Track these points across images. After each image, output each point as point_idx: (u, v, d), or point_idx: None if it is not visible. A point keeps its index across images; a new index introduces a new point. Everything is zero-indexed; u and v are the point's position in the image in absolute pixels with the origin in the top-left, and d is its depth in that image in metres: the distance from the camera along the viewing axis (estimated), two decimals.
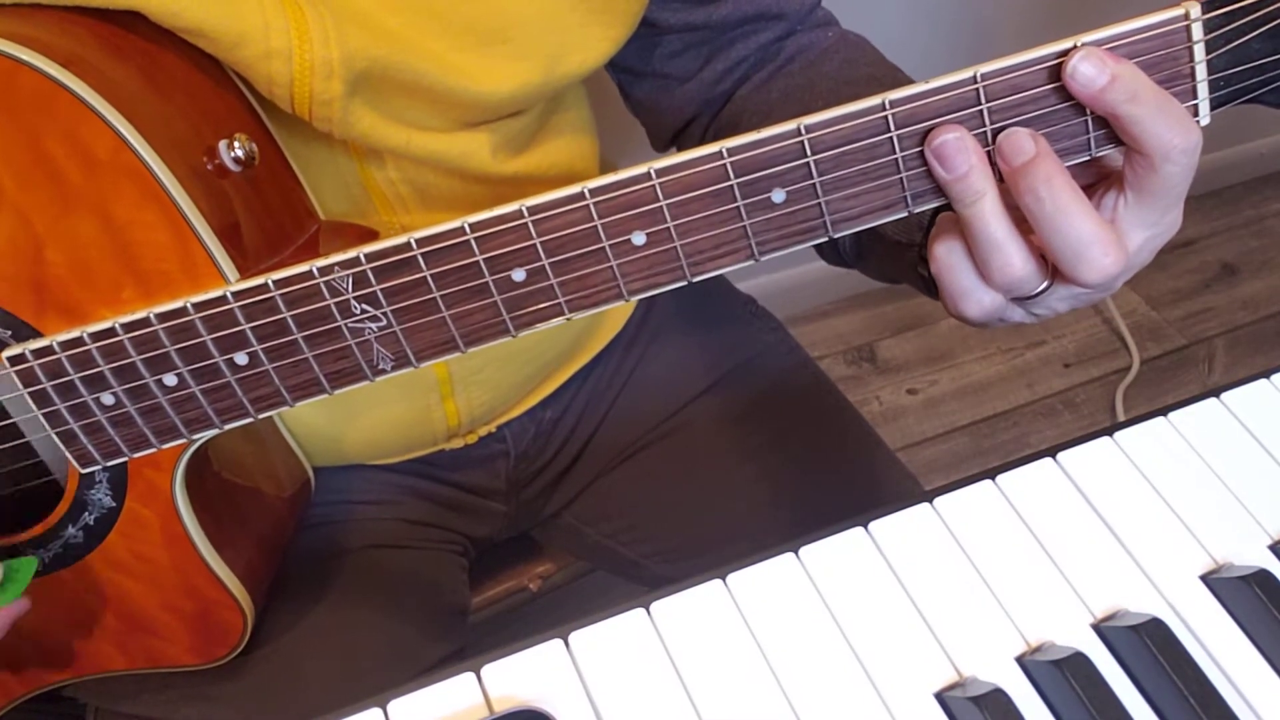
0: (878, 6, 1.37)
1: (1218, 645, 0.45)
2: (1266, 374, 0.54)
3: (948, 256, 0.46)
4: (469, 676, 0.43)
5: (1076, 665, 0.43)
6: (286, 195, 0.53)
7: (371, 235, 0.55)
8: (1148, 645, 0.43)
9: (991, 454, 1.56)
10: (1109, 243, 0.43)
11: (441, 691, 0.43)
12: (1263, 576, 0.45)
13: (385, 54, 0.50)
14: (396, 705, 0.43)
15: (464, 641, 0.73)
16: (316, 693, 0.62)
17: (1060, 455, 0.50)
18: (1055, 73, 0.41)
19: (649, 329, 0.79)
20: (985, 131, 0.42)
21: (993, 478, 0.50)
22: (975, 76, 0.41)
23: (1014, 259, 0.44)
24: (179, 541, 0.53)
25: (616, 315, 0.77)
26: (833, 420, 0.78)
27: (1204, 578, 0.47)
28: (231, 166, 0.48)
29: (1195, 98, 0.42)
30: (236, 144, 0.48)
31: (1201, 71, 0.42)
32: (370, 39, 0.50)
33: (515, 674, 0.44)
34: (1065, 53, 0.41)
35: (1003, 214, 0.43)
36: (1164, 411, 0.52)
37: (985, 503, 0.49)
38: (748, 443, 0.76)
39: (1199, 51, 0.42)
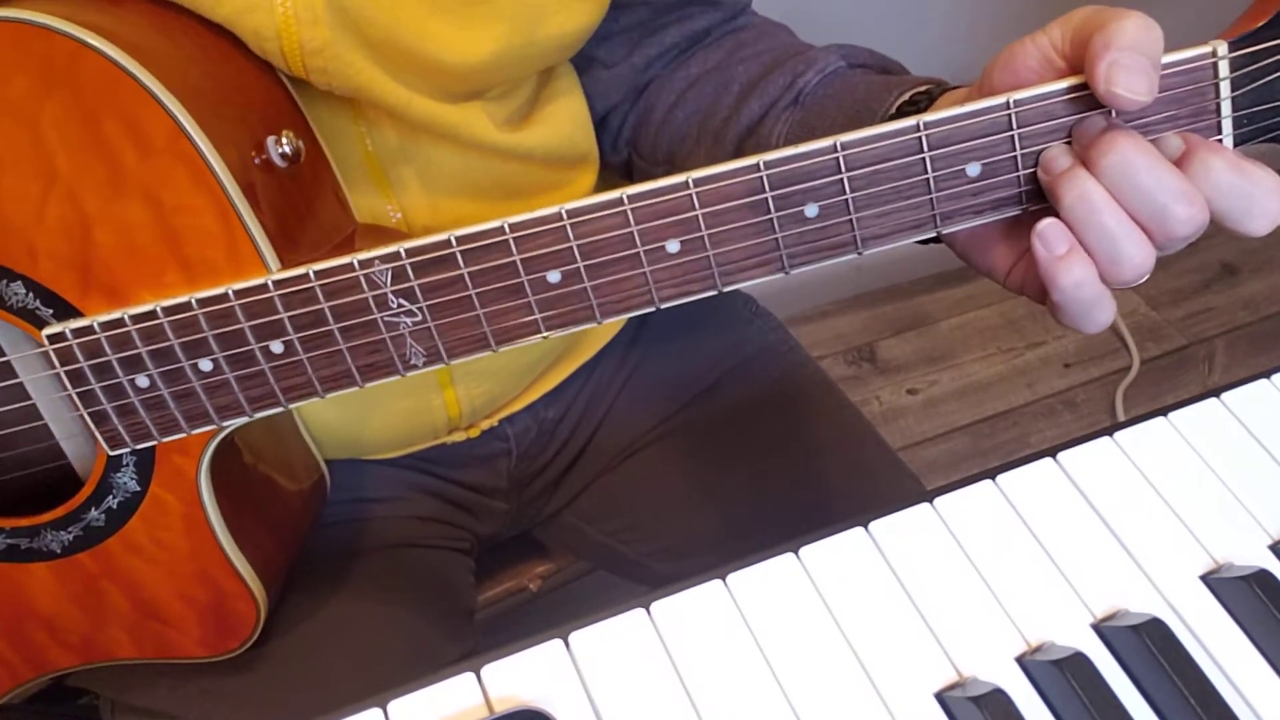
0: (878, 7, 1.37)
1: (1218, 645, 0.45)
2: (1266, 374, 0.54)
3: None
4: (469, 676, 0.43)
5: (1076, 665, 0.43)
6: (326, 195, 0.54)
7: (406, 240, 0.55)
8: (1148, 645, 0.43)
9: (991, 454, 1.56)
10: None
11: (441, 691, 0.43)
12: (1263, 576, 0.45)
13: (361, 4, 0.50)
14: (396, 705, 0.43)
15: (474, 642, 0.73)
16: (333, 690, 0.62)
17: (1060, 455, 0.50)
18: (1088, 100, 0.42)
19: (650, 328, 0.79)
20: (1016, 156, 0.43)
21: (993, 478, 0.50)
22: (1008, 103, 0.42)
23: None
24: (199, 529, 0.53)
25: None
26: (833, 420, 0.78)
27: (1204, 578, 0.47)
28: (278, 162, 0.48)
29: (1220, 134, 0.43)
30: (284, 140, 0.49)
31: (1227, 108, 0.43)
32: None
33: (515, 674, 0.43)
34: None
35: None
36: (1164, 411, 0.52)
37: (985, 503, 0.49)
38: (748, 442, 0.76)
39: (1224, 89, 0.42)
